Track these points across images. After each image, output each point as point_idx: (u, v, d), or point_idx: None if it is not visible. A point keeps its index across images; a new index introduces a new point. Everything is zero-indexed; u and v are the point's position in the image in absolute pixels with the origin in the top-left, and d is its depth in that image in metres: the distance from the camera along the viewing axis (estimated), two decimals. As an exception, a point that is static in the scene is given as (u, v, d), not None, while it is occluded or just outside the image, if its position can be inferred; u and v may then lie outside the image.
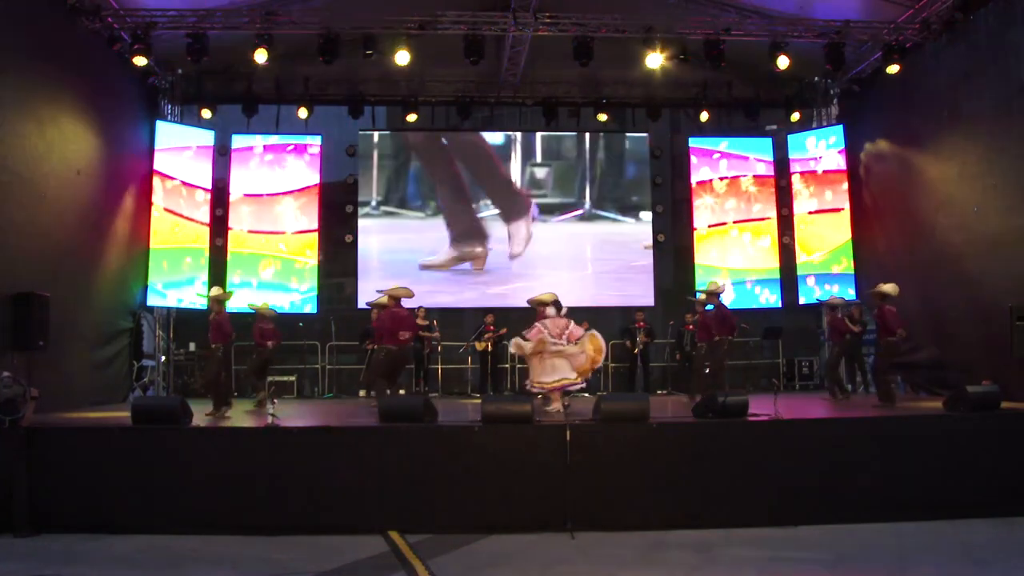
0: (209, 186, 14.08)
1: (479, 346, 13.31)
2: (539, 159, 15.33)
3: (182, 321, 13.79)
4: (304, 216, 14.40)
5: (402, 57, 11.79)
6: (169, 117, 13.82)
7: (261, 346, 10.83)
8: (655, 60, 12.01)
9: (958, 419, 7.97)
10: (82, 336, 10.86)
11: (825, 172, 14.52)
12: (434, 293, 14.42)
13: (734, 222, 15.07)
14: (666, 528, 7.09)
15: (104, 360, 11.66)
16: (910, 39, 11.87)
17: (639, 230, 15.22)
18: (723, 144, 15.26)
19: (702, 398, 8.66)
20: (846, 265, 14.11)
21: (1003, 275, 10.04)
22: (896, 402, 9.91)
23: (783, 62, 11.96)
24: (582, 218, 15.18)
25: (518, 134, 15.31)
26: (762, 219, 15.07)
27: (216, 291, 10.37)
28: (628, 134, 15.52)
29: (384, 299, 10.13)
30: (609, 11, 11.92)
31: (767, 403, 8.33)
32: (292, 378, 13.65)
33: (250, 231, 14.27)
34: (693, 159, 15.22)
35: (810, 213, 14.67)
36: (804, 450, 7.58)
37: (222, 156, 14.35)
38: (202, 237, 13.90)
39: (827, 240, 14.42)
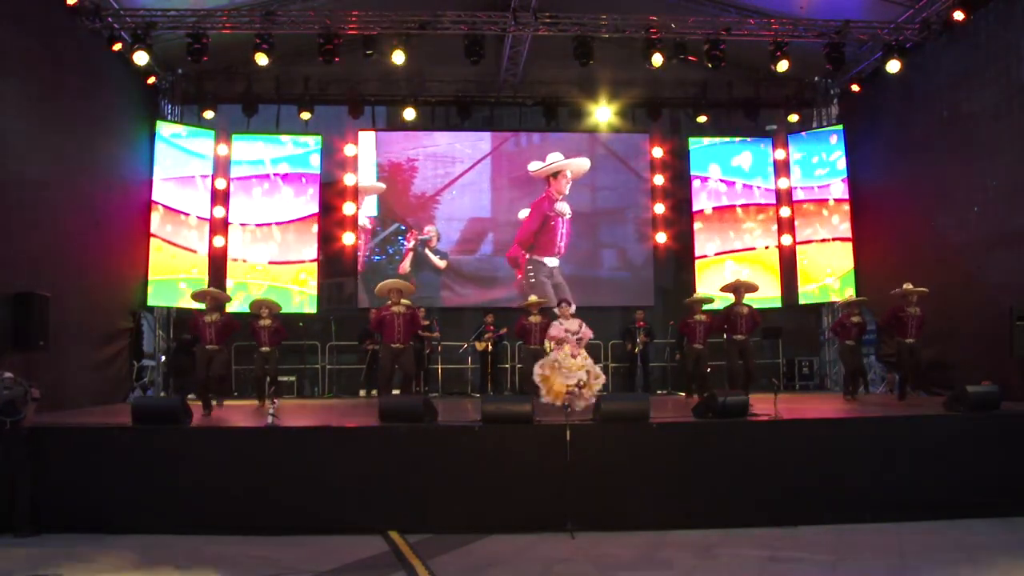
0: (207, 215, 13.96)
1: (479, 346, 13.31)
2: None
3: (182, 321, 13.78)
4: (303, 246, 14.27)
5: (398, 57, 11.79)
6: (169, 117, 13.83)
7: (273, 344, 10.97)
8: (655, 60, 12.01)
9: (958, 419, 7.97)
10: (82, 336, 10.86)
11: (828, 200, 14.45)
12: (433, 293, 14.46)
13: (734, 251, 14.92)
14: (666, 528, 7.09)
15: (104, 360, 11.66)
16: (910, 39, 11.88)
17: (639, 231, 15.21)
18: (723, 156, 15.19)
19: (702, 398, 8.65)
20: (850, 294, 13.88)
21: (1003, 275, 10.05)
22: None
23: (783, 66, 11.96)
24: (583, 217, 15.18)
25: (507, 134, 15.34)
26: (766, 247, 14.97)
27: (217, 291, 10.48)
28: (627, 134, 15.50)
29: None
30: (609, 11, 11.92)
31: (767, 403, 8.34)
32: (292, 378, 13.64)
33: (247, 260, 14.11)
34: (695, 183, 15.12)
35: (813, 242, 14.61)
36: (804, 450, 7.58)
37: (222, 156, 14.33)
38: (201, 267, 13.74)
39: (831, 268, 14.34)
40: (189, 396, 9.45)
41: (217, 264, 13.96)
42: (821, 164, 14.64)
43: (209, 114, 14.02)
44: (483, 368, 13.51)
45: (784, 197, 15.07)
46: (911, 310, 9.93)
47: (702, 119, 14.77)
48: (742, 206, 15.05)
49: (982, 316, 10.25)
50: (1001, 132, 10.17)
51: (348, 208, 14.70)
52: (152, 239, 13.08)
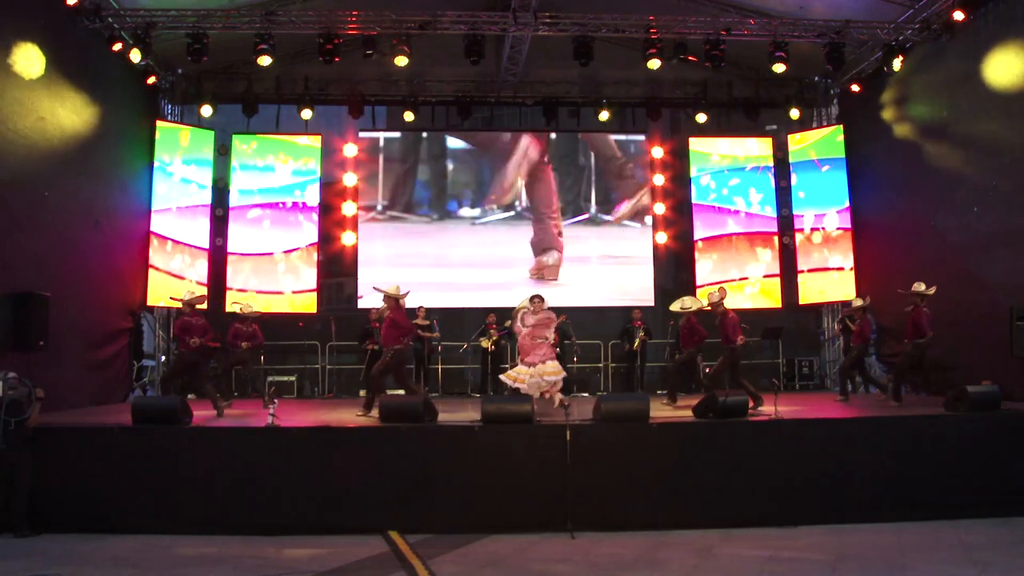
0: (207, 245, 13.85)
1: (484, 343, 13.28)
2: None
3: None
4: (304, 275, 14.14)
5: (400, 60, 11.81)
6: (169, 117, 13.82)
7: (235, 346, 11.16)
8: (655, 61, 12.01)
9: (958, 419, 7.98)
10: (82, 336, 10.85)
11: (832, 230, 14.29)
12: (432, 293, 14.46)
13: (734, 280, 14.66)
14: (666, 528, 7.11)
15: (104, 360, 11.65)
16: (910, 39, 11.87)
17: (639, 231, 15.21)
18: (724, 181, 15.10)
19: (702, 398, 8.66)
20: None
21: (1003, 275, 10.04)
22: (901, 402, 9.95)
23: (780, 68, 11.94)
24: (584, 220, 15.17)
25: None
26: (768, 276, 14.78)
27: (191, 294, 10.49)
28: (628, 135, 15.48)
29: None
30: (609, 11, 11.91)
31: (767, 403, 8.34)
32: (292, 378, 13.64)
33: (244, 290, 13.90)
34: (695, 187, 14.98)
35: (812, 271, 14.48)
36: (804, 450, 7.60)
37: (222, 156, 14.31)
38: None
39: (832, 296, 14.26)
40: (190, 396, 9.45)
41: (217, 294, 13.82)
42: (822, 186, 14.50)
43: (207, 110, 13.88)
44: (483, 368, 13.51)
45: (784, 198, 15.05)
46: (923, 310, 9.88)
47: (702, 119, 14.76)
48: (745, 234, 14.88)
49: (982, 316, 10.24)
50: (1001, 132, 10.17)
51: (348, 208, 14.69)
52: (151, 270, 12.97)
